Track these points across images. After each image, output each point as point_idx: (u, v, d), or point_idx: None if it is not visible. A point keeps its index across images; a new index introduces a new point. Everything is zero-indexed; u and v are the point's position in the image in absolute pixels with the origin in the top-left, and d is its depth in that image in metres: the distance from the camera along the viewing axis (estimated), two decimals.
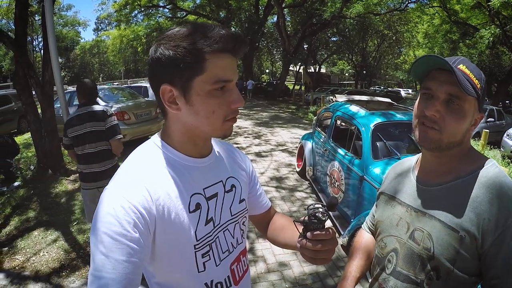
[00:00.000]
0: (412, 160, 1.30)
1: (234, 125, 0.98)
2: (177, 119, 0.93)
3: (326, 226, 0.96)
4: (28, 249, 3.91)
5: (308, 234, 0.95)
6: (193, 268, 0.94)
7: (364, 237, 1.48)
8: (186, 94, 0.87)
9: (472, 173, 1.04)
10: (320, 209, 0.96)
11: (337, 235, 4.26)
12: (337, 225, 4.27)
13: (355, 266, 1.39)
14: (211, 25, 0.88)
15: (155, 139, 1.00)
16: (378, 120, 4.17)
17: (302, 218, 0.99)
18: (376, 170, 3.64)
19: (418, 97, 1.12)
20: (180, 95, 0.88)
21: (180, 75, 0.86)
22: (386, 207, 1.28)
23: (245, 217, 1.16)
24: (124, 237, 0.77)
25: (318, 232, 0.94)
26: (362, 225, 1.55)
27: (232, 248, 1.07)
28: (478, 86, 1.02)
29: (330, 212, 0.96)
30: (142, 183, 0.86)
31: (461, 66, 1.03)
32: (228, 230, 1.06)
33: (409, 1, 21.21)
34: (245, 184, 1.18)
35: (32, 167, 6.70)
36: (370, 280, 1.32)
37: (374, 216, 1.40)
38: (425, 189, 1.13)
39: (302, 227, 0.98)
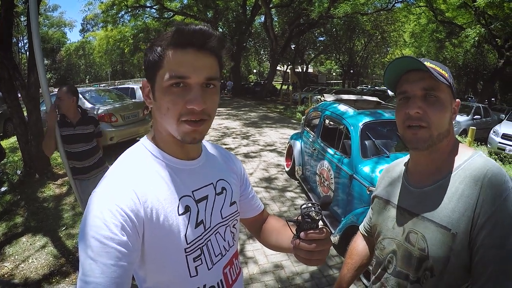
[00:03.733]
0: (404, 161, 1.31)
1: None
2: (155, 117, 0.95)
3: (319, 226, 0.95)
4: (16, 256, 3.84)
5: (302, 234, 0.93)
6: (184, 272, 0.93)
7: (358, 244, 1.54)
8: (153, 89, 0.91)
9: (459, 167, 1.06)
10: (314, 208, 0.95)
11: None
12: (328, 224, 4.29)
13: (346, 270, 1.50)
14: (191, 23, 0.86)
15: (144, 140, 1.00)
16: (366, 119, 4.20)
17: (296, 218, 0.97)
18: (366, 169, 3.67)
19: (396, 106, 1.16)
20: (151, 90, 0.92)
21: (149, 70, 0.90)
22: (381, 211, 1.30)
23: (236, 220, 1.14)
24: (112, 241, 0.77)
25: (312, 231, 0.92)
26: (360, 227, 1.58)
27: (225, 251, 1.06)
28: (446, 75, 1.08)
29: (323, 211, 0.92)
30: (130, 186, 0.85)
31: (427, 63, 1.07)
32: (219, 233, 1.05)
33: (396, 1, 21.41)
34: (236, 187, 1.17)
35: (18, 172, 6.58)
36: (372, 279, 1.35)
37: (371, 219, 1.42)
38: (416, 191, 1.15)
39: (295, 227, 0.97)
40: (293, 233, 0.98)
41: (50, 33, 50.63)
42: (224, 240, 1.07)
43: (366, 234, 1.51)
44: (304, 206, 0.96)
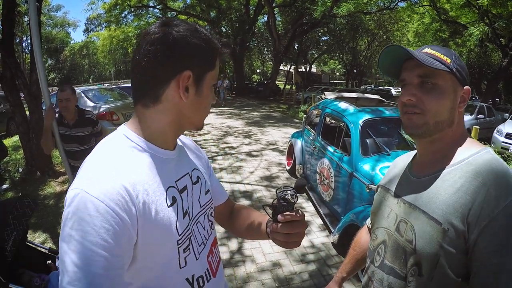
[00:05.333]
0: (413, 154, 1.28)
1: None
2: (173, 108, 0.91)
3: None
4: None
5: (279, 216, 0.97)
6: (175, 265, 0.92)
7: (362, 236, 1.53)
8: (198, 84, 0.92)
9: (463, 160, 1.00)
10: (289, 191, 0.97)
11: (327, 233, 4.29)
12: (328, 222, 4.28)
13: (348, 260, 1.51)
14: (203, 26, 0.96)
15: (125, 131, 0.94)
16: (367, 116, 4.18)
17: (271, 202, 1.01)
18: (366, 167, 3.64)
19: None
20: (193, 84, 0.91)
21: (201, 65, 0.91)
22: (380, 199, 1.27)
23: (212, 208, 1.16)
24: (102, 248, 0.72)
25: (288, 213, 0.96)
26: (366, 221, 1.56)
27: (205, 240, 1.07)
28: (448, 60, 1.02)
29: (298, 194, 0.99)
30: (119, 180, 0.80)
31: (426, 49, 1.06)
32: (200, 222, 1.06)
33: (399, 0, 21.34)
34: (206, 175, 1.19)
35: (20, 169, 6.62)
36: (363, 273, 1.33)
37: None
38: (415, 180, 1.11)
39: (272, 211, 1.01)
40: (269, 216, 1.02)
41: (54, 33, 50.84)
42: (204, 229, 1.08)
43: (370, 227, 1.46)
44: (280, 190, 0.99)
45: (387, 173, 1.36)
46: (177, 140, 1.07)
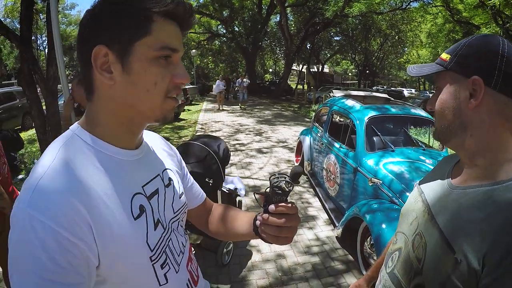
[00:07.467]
0: None
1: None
2: (108, 97, 0.77)
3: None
4: None
5: (271, 207, 0.87)
6: (153, 283, 0.82)
7: None
8: (124, 59, 0.73)
9: (503, 182, 0.79)
10: (284, 179, 0.87)
11: (332, 227, 4.38)
12: (333, 217, 4.36)
13: (377, 264, 1.37)
14: None
15: (77, 130, 0.79)
16: (372, 113, 4.25)
17: (264, 190, 0.90)
18: (370, 162, 3.73)
19: None
20: (116, 61, 0.73)
21: (120, 35, 0.72)
22: (412, 200, 1.11)
23: (185, 212, 1.05)
24: (59, 277, 0.62)
25: (282, 204, 0.87)
26: None
27: (183, 247, 0.97)
28: (445, 57, 0.90)
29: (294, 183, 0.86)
30: (69, 194, 0.66)
31: (443, 55, 0.93)
32: (174, 230, 0.94)
33: (412, 0, 21.23)
34: (180, 176, 1.07)
35: (35, 161, 6.77)
36: None
37: None
38: (447, 190, 0.93)
39: (263, 201, 0.91)
40: (261, 205, 0.92)
41: (68, 31, 51.32)
42: (181, 236, 0.98)
43: None
44: (274, 177, 0.88)
45: (431, 170, 1.18)
46: (142, 137, 0.91)
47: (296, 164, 7.14)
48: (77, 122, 0.82)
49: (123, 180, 0.78)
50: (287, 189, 0.86)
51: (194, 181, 1.20)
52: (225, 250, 3.49)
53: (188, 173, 1.18)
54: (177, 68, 0.78)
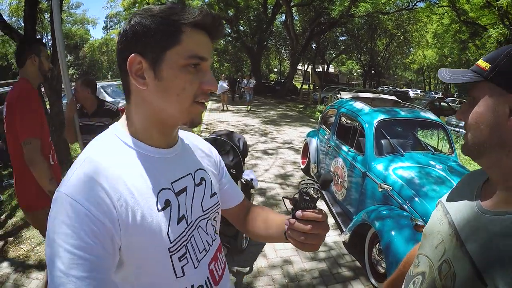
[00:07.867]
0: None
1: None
2: (142, 100, 0.85)
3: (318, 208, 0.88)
4: (32, 239, 3.97)
5: (298, 212, 0.87)
6: (170, 274, 0.86)
7: (415, 252, 1.25)
8: (156, 67, 0.80)
9: None
10: (313, 186, 0.87)
11: (339, 232, 4.30)
12: (340, 222, 4.28)
13: (391, 280, 1.31)
14: (200, 7, 0.84)
15: (115, 128, 0.90)
16: (382, 116, 4.17)
17: (293, 195, 0.91)
18: (379, 167, 3.65)
19: None
20: (149, 68, 0.81)
21: (153, 45, 0.79)
22: (436, 221, 1.02)
23: (217, 212, 1.08)
24: (83, 250, 0.69)
25: (310, 211, 0.86)
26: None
27: (209, 246, 0.99)
28: (487, 67, 0.80)
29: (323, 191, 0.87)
30: (98, 182, 0.75)
31: (480, 62, 0.84)
32: (201, 227, 0.98)
33: (418, 0, 21.10)
34: (215, 176, 1.11)
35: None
36: None
37: None
38: (477, 214, 0.85)
39: (292, 206, 0.91)
40: (288, 210, 0.93)
41: (74, 30, 51.62)
42: (207, 234, 1.00)
43: None
44: (303, 182, 0.89)
45: (455, 186, 1.08)
46: (178, 137, 1.00)
47: (302, 166, 7.07)
48: (117, 122, 0.92)
49: (153, 175, 0.85)
50: (315, 196, 0.86)
51: (233, 181, 1.25)
52: (244, 235, 3.55)
53: (228, 174, 1.23)
54: (206, 75, 0.85)
